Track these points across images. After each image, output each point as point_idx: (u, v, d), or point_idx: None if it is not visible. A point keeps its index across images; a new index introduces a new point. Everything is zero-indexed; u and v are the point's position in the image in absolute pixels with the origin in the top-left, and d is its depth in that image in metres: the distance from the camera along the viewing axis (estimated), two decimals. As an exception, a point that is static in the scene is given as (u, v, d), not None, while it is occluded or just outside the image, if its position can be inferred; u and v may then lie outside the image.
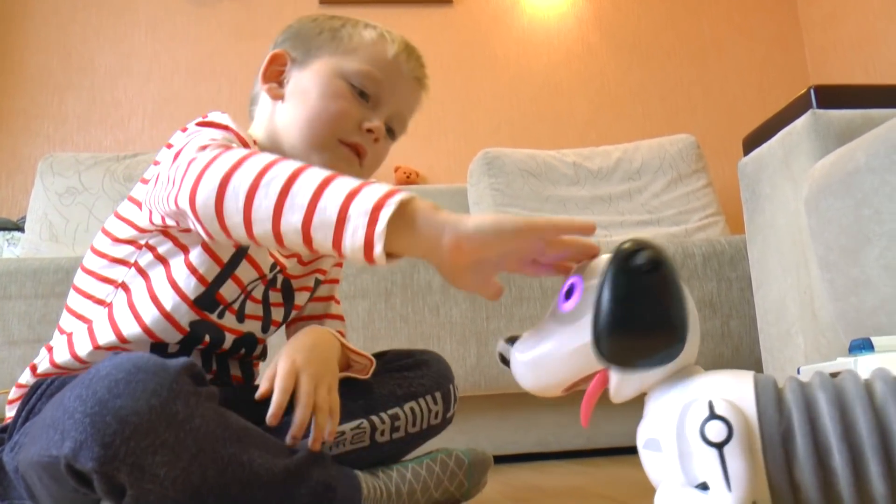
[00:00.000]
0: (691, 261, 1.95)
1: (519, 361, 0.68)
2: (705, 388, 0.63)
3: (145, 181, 0.91)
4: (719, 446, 0.59)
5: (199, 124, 0.90)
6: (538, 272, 0.70)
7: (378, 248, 0.64)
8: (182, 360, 0.76)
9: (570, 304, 0.66)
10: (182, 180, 0.75)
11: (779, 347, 1.52)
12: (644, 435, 0.65)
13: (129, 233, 0.91)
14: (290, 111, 0.97)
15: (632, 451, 2.10)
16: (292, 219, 0.68)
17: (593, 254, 0.68)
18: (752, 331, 1.85)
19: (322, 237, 0.67)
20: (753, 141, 1.67)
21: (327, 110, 0.94)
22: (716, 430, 0.59)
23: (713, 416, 0.60)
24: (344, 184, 0.68)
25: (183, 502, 0.73)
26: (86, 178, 2.39)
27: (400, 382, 1.02)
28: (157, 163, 0.89)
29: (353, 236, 0.65)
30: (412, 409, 1.01)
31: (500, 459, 1.94)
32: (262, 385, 0.89)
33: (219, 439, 0.75)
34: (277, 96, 0.98)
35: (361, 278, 1.85)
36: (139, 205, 0.90)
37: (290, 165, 0.70)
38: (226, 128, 0.89)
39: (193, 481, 0.73)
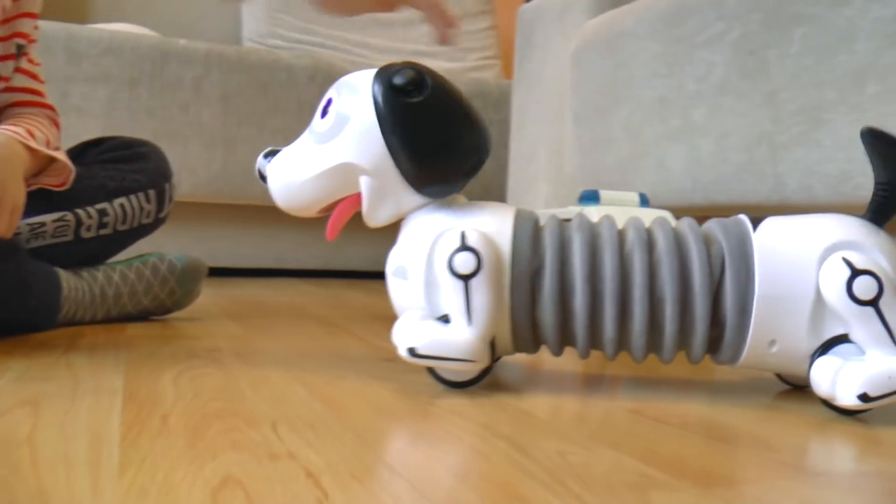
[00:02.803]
0: (458, 98, 1.94)
1: (274, 179, 0.64)
2: (462, 219, 0.61)
3: None
4: (465, 278, 0.58)
5: None
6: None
7: None
8: None
9: (324, 123, 0.62)
10: None
11: (522, 192, 1.58)
12: (394, 262, 0.63)
13: None
14: None
15: (369, 276, 2.11)
16: None
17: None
18: (504, 173, 1.90)
19: None
20: (537, -13, 1.65)
21: None
22: (464, 262, 0.58)
23: (464, 247, 0.58)
24: None
25: None
26: None
27: (113, 175, 0.93)
28: None
29: None
30: (122, 206, 0.92)
31: (235, 273, 1.90)
32: None
33: None
34: None
35: (104, 61, 1.67)
36: None
37: None
38: None
39: None
